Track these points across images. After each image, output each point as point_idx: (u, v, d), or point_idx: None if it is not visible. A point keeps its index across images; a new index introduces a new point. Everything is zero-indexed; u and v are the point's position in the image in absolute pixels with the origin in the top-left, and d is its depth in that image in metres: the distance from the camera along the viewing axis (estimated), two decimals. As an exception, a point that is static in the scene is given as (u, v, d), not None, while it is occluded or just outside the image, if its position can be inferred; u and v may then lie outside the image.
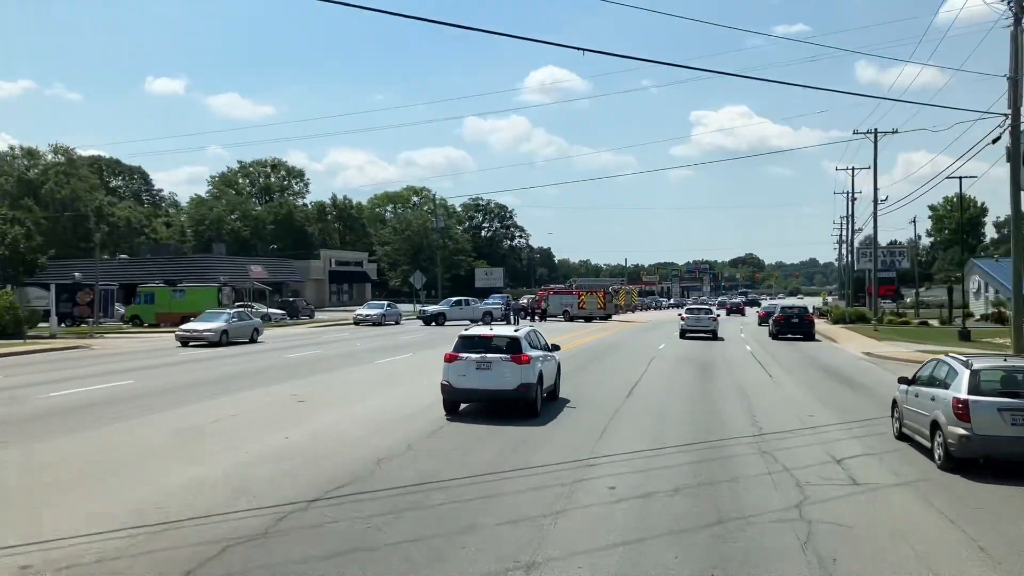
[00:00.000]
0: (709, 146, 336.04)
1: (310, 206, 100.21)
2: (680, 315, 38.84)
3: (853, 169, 63.71)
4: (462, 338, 14.26)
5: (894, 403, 13.38)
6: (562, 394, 16.12)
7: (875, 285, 53.72)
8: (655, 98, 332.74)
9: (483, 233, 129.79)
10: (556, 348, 16.25)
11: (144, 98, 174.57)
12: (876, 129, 50.75)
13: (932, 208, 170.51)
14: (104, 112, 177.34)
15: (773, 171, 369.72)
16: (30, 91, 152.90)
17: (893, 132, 51.60)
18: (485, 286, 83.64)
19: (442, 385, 13.71)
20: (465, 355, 13.78)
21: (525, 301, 58.00)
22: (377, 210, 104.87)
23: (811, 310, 41.56)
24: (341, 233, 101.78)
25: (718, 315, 39.95)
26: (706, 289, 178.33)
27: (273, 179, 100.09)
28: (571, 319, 51.69)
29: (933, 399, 11.10)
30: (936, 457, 10.67)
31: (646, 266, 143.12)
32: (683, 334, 35.79)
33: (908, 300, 74.42)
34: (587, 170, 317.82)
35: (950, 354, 12.25)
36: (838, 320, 51.43)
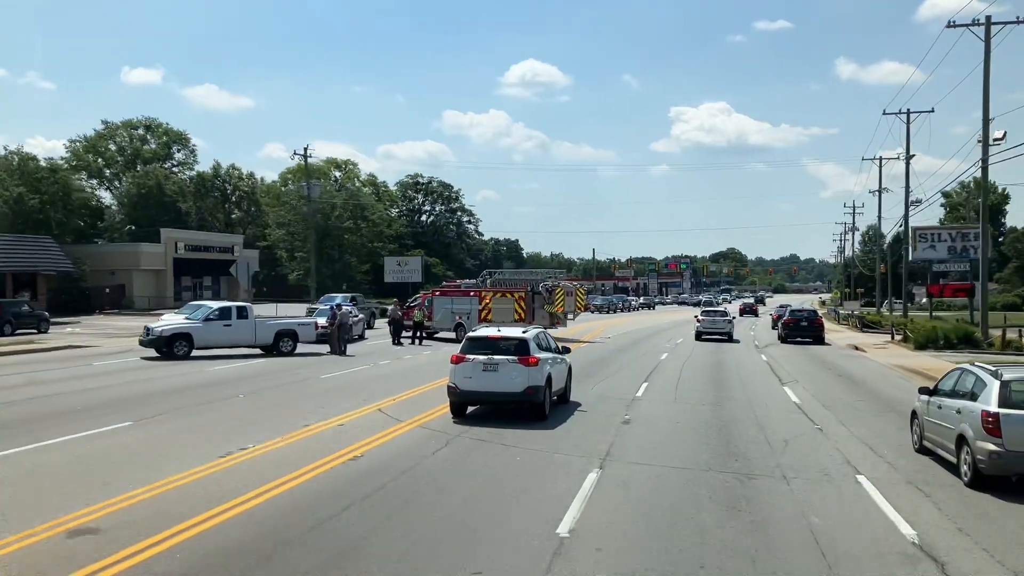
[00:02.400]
0: (688, 142, 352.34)
1: (193, 178, 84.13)
2: (696, 317, 41.79)
3: (909, 114, 40.41)
4: (469, 339, 14.48)
5: (914, 414, 13.09)
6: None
7: (984, 278, 35.24)
8: (635, 93, 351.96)
9: (423, 218, 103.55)
10: (567, 351, 16.56)
11: (120, 88, 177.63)
12: (989, 18, 31.47)
13: (946, 195, 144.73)
14: (79, 102, 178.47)
15: (753, 168, 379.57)
16: (2, 80, 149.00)
17: (1017, 22, 31.48)
18: (398, 281, 69.54)
19: (448, 387, 13.96)
20: (472, 357, 13.86)
21: (392, 308, 34.71)
22: (289, 186, 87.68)
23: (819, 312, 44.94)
24: (227, 212, 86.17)
25: (733, 318, 43.01)
26: (686, 285, 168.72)
27: (155, 144, 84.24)
28: None
29: (959, 412, 10.89)
30: (962, 474, 10.53)
31: (622, 260, 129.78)
32: (699, 336, 38.51)
33: (923, 300, 64.58)
34: (568, 165, 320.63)
35: (976, 363, 11.87)
36: (927, 342, 32.97)
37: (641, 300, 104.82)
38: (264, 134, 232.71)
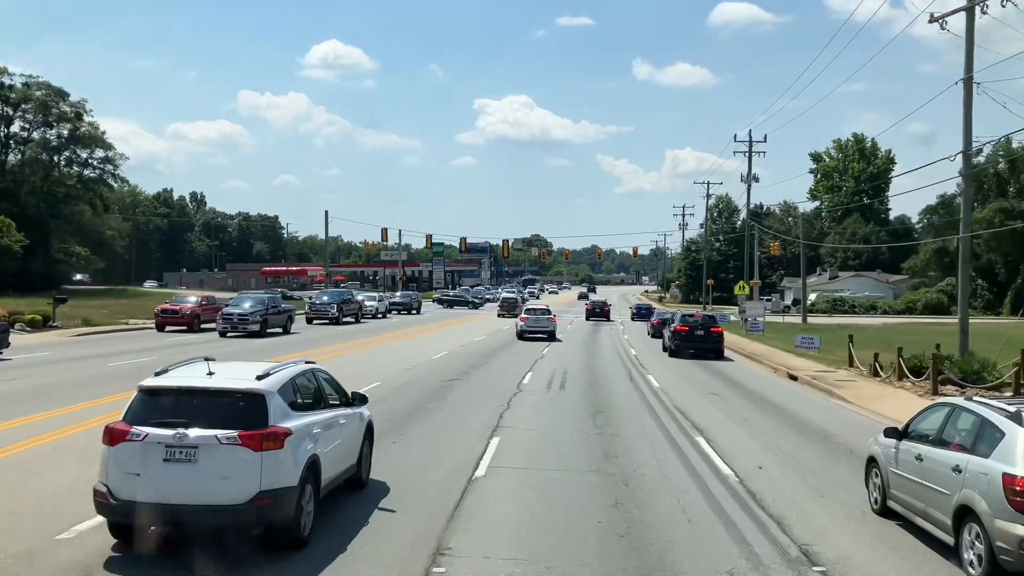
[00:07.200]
0: (492, 134, 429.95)
1: None
2: (521, 316, 51.60)
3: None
4: (145, 392, 10.82)
5: (871, 462, 13.35)
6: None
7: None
8: (441, 82, 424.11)
9: (9, 155, 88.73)
10: (363, 400, 13.77)
11: None
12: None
13: (815, 157, 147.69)
14: None
15: (552, 162, 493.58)
16: None
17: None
18: None
19: (95, 492, 10.32)
20: (145, 430, 10.22)
21: None
22: None
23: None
24: None
25: (556, 315, 53.09)
26: (485, 275, 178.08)
27: None
28: None
29: (959, 469, 10.49)
30: (967, 564, 10.11)
31: (415, 249, 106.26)
32: (522, 335, 47.87)
33: (812, 301, 69.23)
34: (372, 152, 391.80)
35: (974, 399, 11.93)
36: None
37: (368, 296, 75.62)
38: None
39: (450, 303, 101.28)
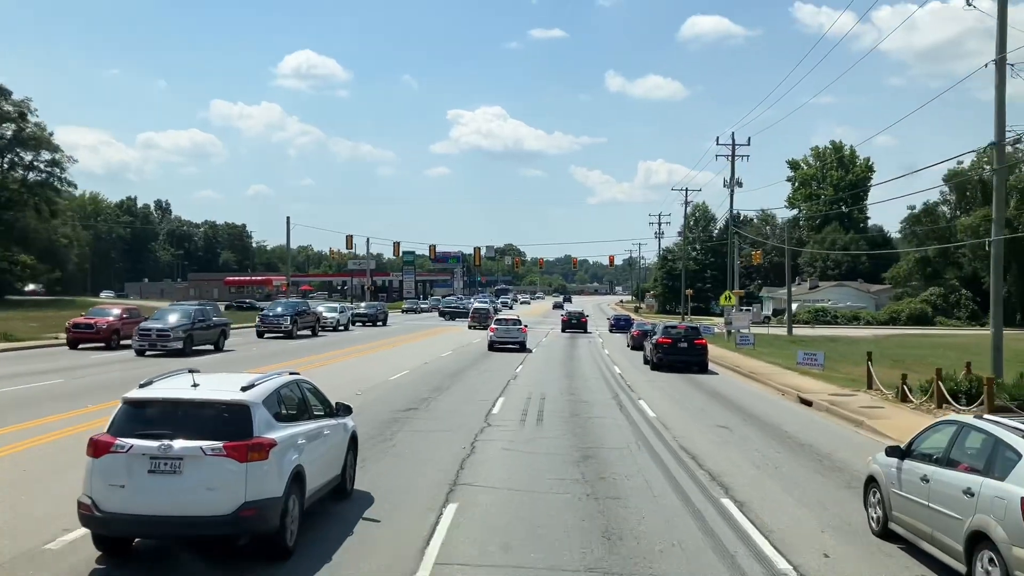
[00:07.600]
0: (466, 144, 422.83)
1: None
2: (491, 327, 53.21)
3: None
4: (129, 404, 10.93)
5: (870, 482, 12.82)
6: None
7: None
8: (415, 93, 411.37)
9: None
10: (347, 410, 14.05)
11: None
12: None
13: (793, 165, 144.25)
14: None
15: (526, 172, 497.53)
16: None
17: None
18: None
19: (80, 505, 10.49)
20: (129, 441, 10.37)
21: None
22: None
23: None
24: None
25: (526, 326, 54.64)
26: (457, 284, 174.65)
27: None
28: None
29: (971, 493, 9.97)
30: None
31: (387, 258, 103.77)
32: (492, 346, 48.96)
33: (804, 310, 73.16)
34: (346, 162, 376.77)
35: (984, 417, 11.29)
36: None
37: (328, 307, 72.04)
38: None
39: (452, 315, 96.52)
